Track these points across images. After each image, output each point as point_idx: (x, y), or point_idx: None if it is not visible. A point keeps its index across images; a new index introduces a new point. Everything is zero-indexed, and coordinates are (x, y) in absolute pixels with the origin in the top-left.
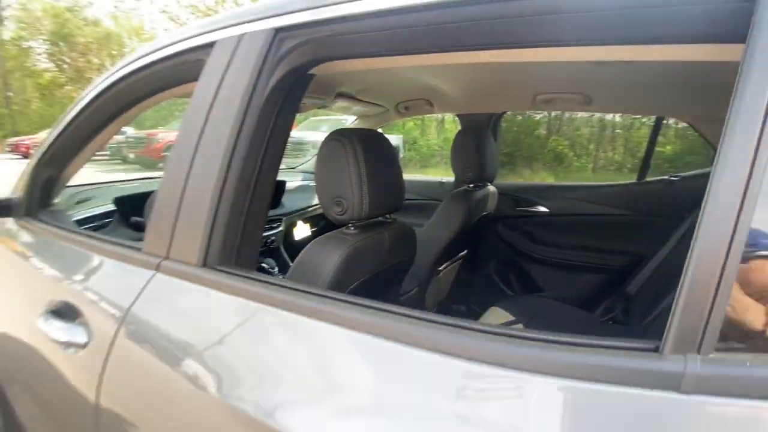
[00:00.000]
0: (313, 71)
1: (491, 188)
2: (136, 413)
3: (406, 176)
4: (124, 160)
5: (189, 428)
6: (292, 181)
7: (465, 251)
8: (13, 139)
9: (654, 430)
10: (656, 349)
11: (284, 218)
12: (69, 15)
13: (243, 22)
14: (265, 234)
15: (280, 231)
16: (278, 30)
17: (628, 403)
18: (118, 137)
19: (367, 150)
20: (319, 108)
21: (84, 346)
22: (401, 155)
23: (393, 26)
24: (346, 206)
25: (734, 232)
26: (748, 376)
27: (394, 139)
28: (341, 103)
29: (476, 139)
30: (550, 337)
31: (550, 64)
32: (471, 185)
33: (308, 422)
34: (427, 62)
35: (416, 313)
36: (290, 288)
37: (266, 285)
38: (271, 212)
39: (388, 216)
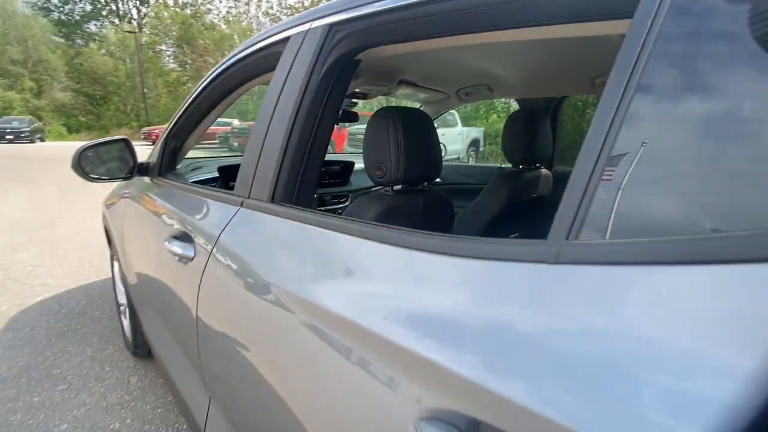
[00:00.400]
0: (359, 57)
1: (544, 171)
2: (219, 316)
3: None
4: (230, 148)
5: (261, 325)
6: (360, 164)
7: (516, 234)
8: (146, 129)
9: (534, 285)
10: (545, 241)
11: (351, 194)
12: (192, 21)
13: (309, 20)
14: (334, 207)
15: (347, 206)
16: (332, 25)
17: (523, 271)
18: (226, 128)
19: (406, 125)
20: (384, 95)
21: (192, 258)
22: (481, 149)
23: (422, 15)
24: (385, 171)
25: (598, 158)
26: (592, 251)
27: (475, 131)
28: (404, 89)
29: (527, 122)
30: (483, 240)
31: (600, 44)
32: (521, 166)
33: (343, 297)
34: (455, 43)
35: (404, 229)
36: (330, 216)
37: (313, 213)
38: (340, 189)
39: (425, 184)
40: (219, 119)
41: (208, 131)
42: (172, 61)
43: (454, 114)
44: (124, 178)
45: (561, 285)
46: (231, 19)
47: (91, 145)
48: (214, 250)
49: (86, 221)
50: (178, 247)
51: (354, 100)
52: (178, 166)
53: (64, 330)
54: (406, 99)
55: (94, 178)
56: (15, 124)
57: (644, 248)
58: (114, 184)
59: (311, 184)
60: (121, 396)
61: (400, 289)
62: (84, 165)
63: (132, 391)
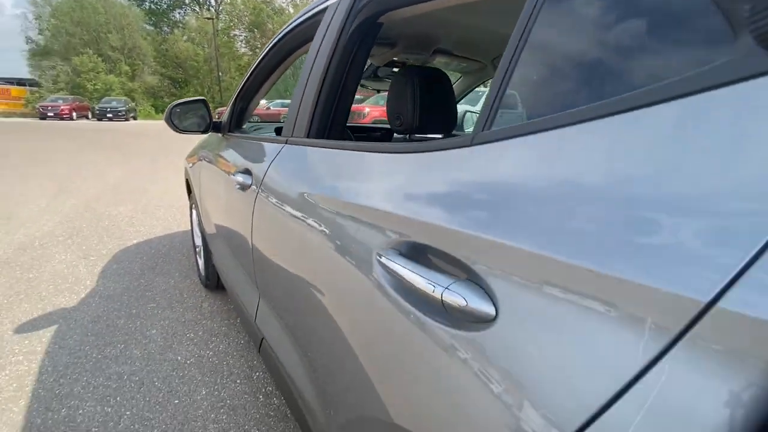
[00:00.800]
0: (381, 20)
1: None
2: (266, 227)
3: None
4: None
5: (294, 226)
6: None
7: None
8: (220, 109)
9: (456, 159)
10: (468, 134)
11: None
12: (263, 6)
13: None
14: None
15: None
16: None
17: (451, 153)
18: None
19: (422, 81)
20: (421, 64)
21: (249, 186)
22: None
23: None
24: (403, 120)
25: (503, 79)
26: (492, 134)
27: None
28: (440, 59)
29: None
30: (428, 141)
31: None
32: None
33: (353, 188)
34: (464, 1)
35: (389, 143)
36: (346, 142)
37: (335, 141)
38: None
39: (441, 135)
40: (282, 101)
41: (272, 111)
42: (244, 45)
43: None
44: (202, 132)
45: (472, 156)
46: (298, 2)
47: (179, 103)
48: (265, 177)
49: (171, 186)
50: (240, 178)
51: (395, 69)
52: (244, 126)
53: (153, 266)
54: (445, 69)
55: (180, 130)
56: (114, 104)
57: (524, 127)
58: (194, 145)
59: (341, 123)
60: (195, 315)
61: (385, 176)
62: (173, 119)
63: (204, 312)
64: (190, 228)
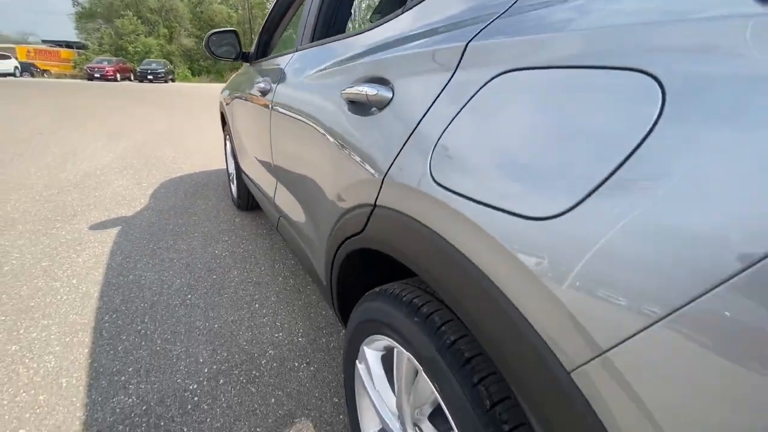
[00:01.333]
0: None
1: None
2: (281, 120)
3: None
4: None
5: (301, 111)
6: None
7: None
8: None
9: (395, 24)
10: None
11: None
12: None
13: None
14: None
15: None
16: None
17: (393, 22)
18: None
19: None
20: None
21: (269, 90)
22: None
23: None
24: None
25: None
26: (415, 2)
27: None
28: None
29: None
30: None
31: None
32: None
33: (334, 58)
34: None
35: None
36: (337, 36)
37: (331, 37)
38: None
39: None
40: None
41: None
42: None
43: None
44: (233, 59)
45: (402, 18)
46: None
47: (214, 32)
48: (279, 80)
49: (206, 137)
50: (261, 85)
51: None
52: (269, 55)
53: (194, 192)
54: None
55: (215, 56)
56: (154, 65)
57: None
58: (227, 86)
59: (343, 23)
60: (229, 226)
61: (353, 48)
62: (210, 45)
63: (236, 224)
64: (225, 167)
